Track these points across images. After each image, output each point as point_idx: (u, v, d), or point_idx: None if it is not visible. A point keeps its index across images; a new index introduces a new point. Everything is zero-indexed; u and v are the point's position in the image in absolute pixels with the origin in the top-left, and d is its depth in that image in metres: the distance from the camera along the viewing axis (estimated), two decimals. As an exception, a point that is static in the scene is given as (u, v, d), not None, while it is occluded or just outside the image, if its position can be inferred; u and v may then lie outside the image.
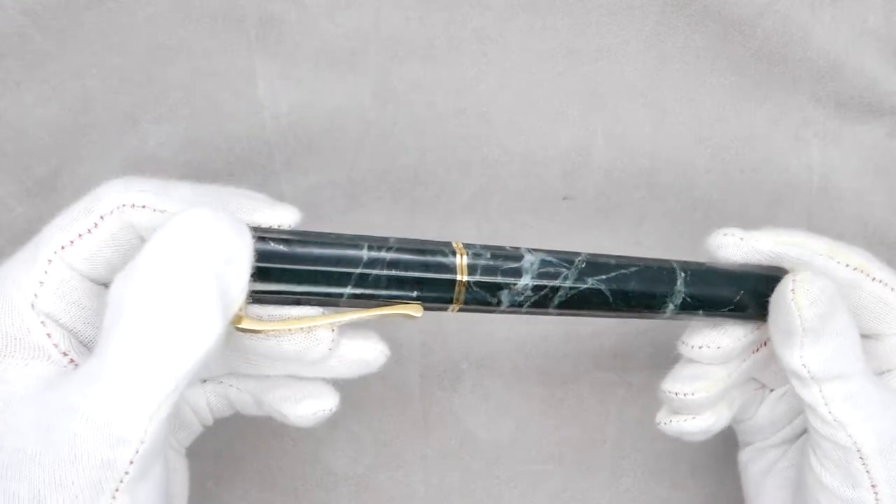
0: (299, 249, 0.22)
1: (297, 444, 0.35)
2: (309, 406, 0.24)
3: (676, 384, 0.27)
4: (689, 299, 0.25)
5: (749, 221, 0.35)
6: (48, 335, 0.21)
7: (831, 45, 0.32)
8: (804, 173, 0.34)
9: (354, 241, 0.23)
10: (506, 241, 0.25)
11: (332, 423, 0.36)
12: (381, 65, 0.32)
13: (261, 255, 0.21)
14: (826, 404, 0.24)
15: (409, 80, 0.32)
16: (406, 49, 0.32)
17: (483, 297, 0.23)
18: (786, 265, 0.26)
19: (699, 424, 0.27)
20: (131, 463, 0.19)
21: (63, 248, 0.21)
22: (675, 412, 0.27)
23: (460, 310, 0.24)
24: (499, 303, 0.24)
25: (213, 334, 0.20)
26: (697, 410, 0.27)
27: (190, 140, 0.32)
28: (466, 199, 0.34)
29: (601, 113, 0.33)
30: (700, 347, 0.26)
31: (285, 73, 0.31)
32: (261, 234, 0.22)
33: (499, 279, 0.23)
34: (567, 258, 0.24)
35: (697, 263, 0.26)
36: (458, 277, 0.23)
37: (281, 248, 0.22)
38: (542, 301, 0.24)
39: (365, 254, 0.22)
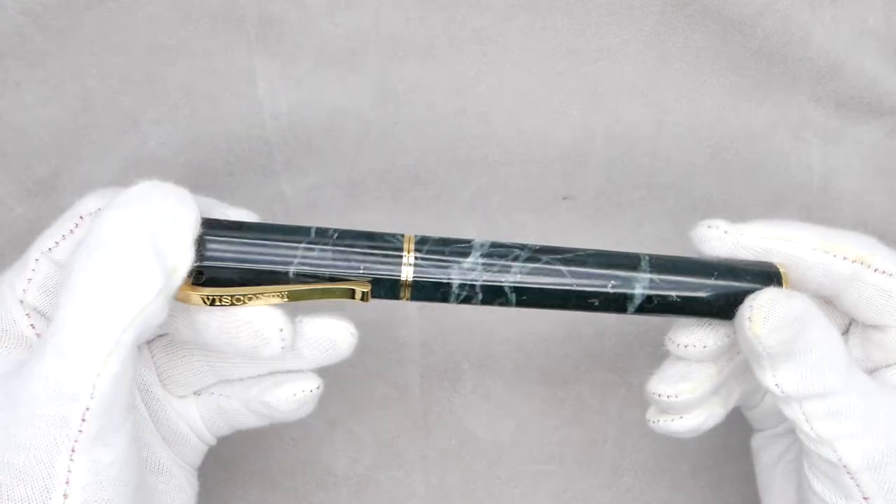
0: (248, 228, 0.23)
1: (297, 444, 0.35)
2: (289, 388, 0.25)
3: (661, 385, 0.26)
4: (656, 283, 0.24)
5: (748, 221, 0.35)
6: (31, 326, 0.23)
7: (831, 45, 0.32)
8: (804, 173, 0.34)
9: (304, 226, 0.24)
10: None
11: (332, 423, 0.36)
12: (381, 65, 0.32)
13: (210, 230, 0.23)
14: (808, 421, 0.23)
15: (409, 80, 0.32)
16: (406, 49, 0.32)
17: (432, 276, 0.23)
18: (776, 260, 0.25)
19: (687, 424, 0.26)
20: (83, 420, 0.20)
21: (50, 249, 0.23)
22: (663, 412, 0.26)
23: (412, 295, 0.24)
24: (450, 285, 0.24)
25: (151, 288, 0.21)
26: (684, 410, 0.26)
27: (190, 140, 0.32)
28: (466, 199, 0.34)
29: (601, 113, 0.33)
30: (686, 346, 0.25)
31: (285, 73, 0.31)
32: (214, 219, 0.23)
33: (447, 257, 0.24)
34: (520, 244, 0.24)
35: (667, 255, 0.25)
36: (405, 254, 0.23)
37: (231, 226, 0.23)
38: (496, 287, 0.24)
39: (313, 230, 0.24)
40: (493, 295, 0.24)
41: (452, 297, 0.24)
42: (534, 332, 0.35)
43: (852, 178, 0.35)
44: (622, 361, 0.36)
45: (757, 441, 0.30)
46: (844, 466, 0.23)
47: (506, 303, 0.24)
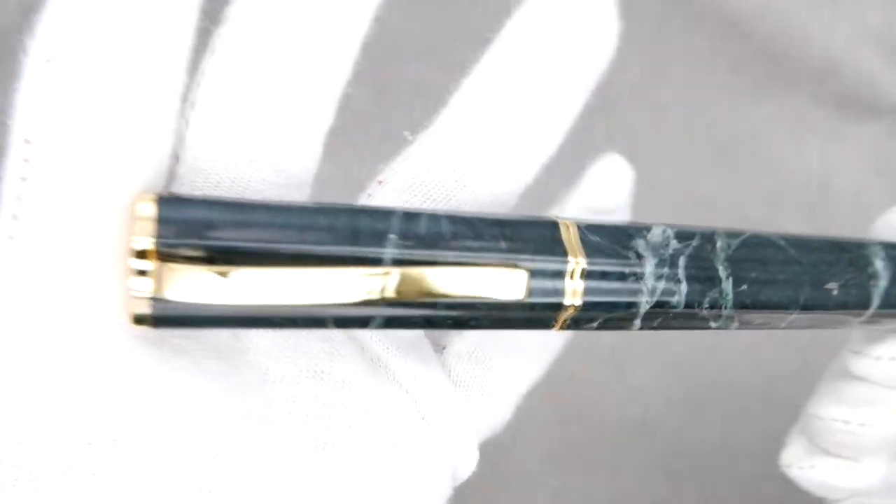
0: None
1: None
2: None
3: (843, 408, 0.18)
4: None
5: (748, 221, 0.35)
6: None
7: (831, 45, 0.32)
8: (804, 173, 0.34)
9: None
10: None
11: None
12: (381, 65, 0.32)
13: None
14: None
15: (409, 80, 0.32)
16: (406, 49, 0.32)
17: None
18: None
19: (856, 476, 0.18)
20: None
21: None
22: (827, 452, 0.18)
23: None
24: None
25: None
26: (863, 452, 0.18)
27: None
28: (466, 198, 0.34)
29: (601, 112, 0.33)
30: (891, 358, 0.17)
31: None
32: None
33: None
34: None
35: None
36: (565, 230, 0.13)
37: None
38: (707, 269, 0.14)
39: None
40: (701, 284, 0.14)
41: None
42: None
43: (852, 177, 0.35)
44: (621, 360, 0.36)
45: None
46: None
47: (719, 300, 0.14)
